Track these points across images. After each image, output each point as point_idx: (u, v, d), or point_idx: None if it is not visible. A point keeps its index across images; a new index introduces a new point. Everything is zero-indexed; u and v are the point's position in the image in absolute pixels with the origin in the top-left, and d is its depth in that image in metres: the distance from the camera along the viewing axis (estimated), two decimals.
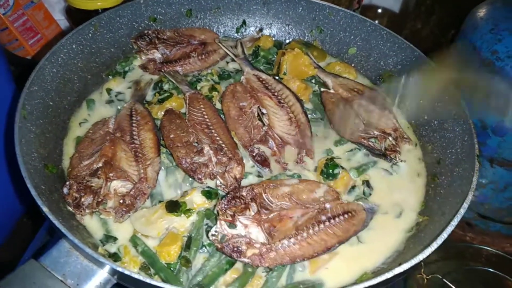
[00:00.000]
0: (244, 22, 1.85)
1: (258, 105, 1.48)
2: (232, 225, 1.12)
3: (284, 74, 1.62)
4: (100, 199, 1.19)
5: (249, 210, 1.14)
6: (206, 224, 1.20)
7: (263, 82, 1.57)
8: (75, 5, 1.83)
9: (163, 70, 1.63)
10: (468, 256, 1.66)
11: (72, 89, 1.47)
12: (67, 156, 1.34)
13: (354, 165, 1.40)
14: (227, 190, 1.25)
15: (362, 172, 1.38)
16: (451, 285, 1.49)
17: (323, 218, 1.17)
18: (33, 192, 1.03)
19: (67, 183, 1.20)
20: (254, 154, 1.36)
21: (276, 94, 1.52)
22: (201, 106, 1.46)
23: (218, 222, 1.13)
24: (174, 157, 1.31)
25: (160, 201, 1.24)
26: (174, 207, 1.19)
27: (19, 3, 2.05)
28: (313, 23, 1.80)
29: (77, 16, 1.87)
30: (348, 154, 1.44)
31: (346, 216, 1.19)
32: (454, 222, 1.08)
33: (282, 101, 1.49)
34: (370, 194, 1.34)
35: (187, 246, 1.14)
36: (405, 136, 1.47)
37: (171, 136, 1.35)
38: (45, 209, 1.01)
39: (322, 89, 1.61)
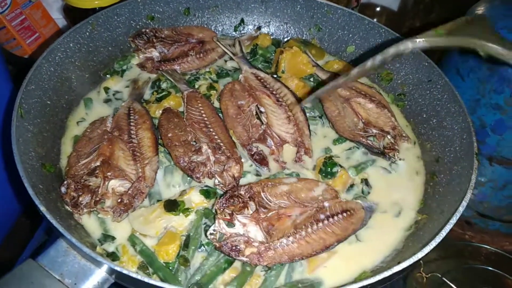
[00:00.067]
0: (242, 21, 1.85)
1: (256, 104, 1.48)
2: (230, 224, 1.12)
3: (283, 72, 1.62)
4: (98, 198, 1.18)
5: (248, 208, 1.14)
6: (205, 223, 1.20)
7: (261, 80, 1.56)
8: (73, 3, 1.83)
9: (161, 69, 1.62)
10: (467, 254, 1.66)
11: (70, 88, 1.47)
12: (64, 155, 1.34)
13: (353, 164, 1.40)
14: (225, 189, 1.25)
15: (361, 171, 1.38)
16: (451, 284, 1.49)
17: (322, 216, 1.17)
18: (30, 191, 1.03)
19: (65, 182, 1.20)
20: (252, 153, 1.36)
21: (274, 92, 1.51)
22: (199, 104, 1.46)
23: (216, 221, 1.13)
24: (172, 156, 1.30)
25: (158, 200, 1.24)
26: (172, 206, 1.19)
27: (16, 2, 2.04)
28: (311, 21, 1.80)
29: (74, 15, 1.86)
30: (347, 153, 1.44)
31: (344, 214, 1.19)
32: (453, 220, 1.08)
33: (280, 100, 1.49)
34: (368, 193, 1.34)
35: (186, 245, 1.14)
36: (404, 134, 1.47)
37: (169, 135, 1.35)
38: (42, 208, 1.01)
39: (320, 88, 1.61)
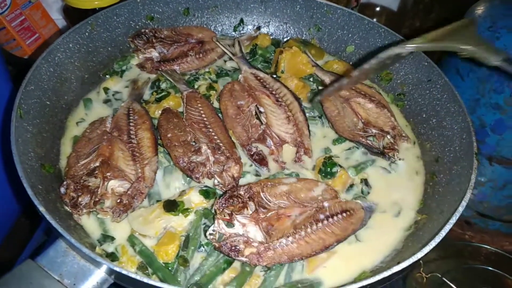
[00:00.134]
0: (241, 21, 1.85)
1: (256, 104, 1.48)
2: (230, 224, 1.12)
3: (282, 72, 1.62)
4: (97, 199, 1.18)
5: (247, 209, 1.14)
6: (204, 223, 1.20)
7: (261, 80, 1.56)
8: (72, 4, 1.83)
9: (160, 69, 1.62)
10: (467, 254, 1.66)
11: (69, 88, 1.47)
12: (64, 155, 1.34)
13: (352, 164, 1.40)
14: (224, 189, 1.25)
15: (361, 171, 1.38)
16: (450, 284, 1.48)
17: (321, 216, 1.16)
18: (29, 192, 1.03)
19: (64, 182, 1.20)
20: (252, 153, 1.36)
21: (274, 92, 1.51)
22: (199, 105, 1.46)
23: (216, 221, 1.12)
24: (171, 157, 1.30)
25: (157, 201, 1.24)
26: (171, 206, 1.18)
27: (16, 3, 2.04)
28: (311, 21, 1.80)
29: (74, 15, 1.86)
30: (346, 153, 1.44)
31: (344, 214, 1.19)
32: (453, 220, 1.08)
33: (280, 100, 1.48)
34: (368, 193, 1.34)
35: (185, 246, 1.14)
36: (403, 134, 1.47)
37: (169, 135, 1.35)
38: (41, 209, 1.01)
39: (320, 88, 1.61)
